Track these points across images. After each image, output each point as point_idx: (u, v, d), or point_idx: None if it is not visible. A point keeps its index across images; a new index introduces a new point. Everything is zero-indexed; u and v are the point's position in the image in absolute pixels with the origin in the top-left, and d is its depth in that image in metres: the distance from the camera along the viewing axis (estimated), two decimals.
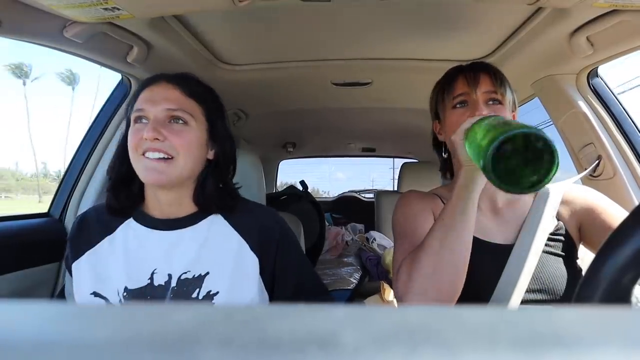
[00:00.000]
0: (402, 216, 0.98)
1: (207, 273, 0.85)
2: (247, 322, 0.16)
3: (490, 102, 0.91)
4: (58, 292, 0.97)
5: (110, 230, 0.91)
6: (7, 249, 1.20)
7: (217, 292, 0.84)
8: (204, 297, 0.84)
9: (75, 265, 0.89)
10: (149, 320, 0.17)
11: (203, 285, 0.84)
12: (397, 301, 0.84)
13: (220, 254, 0.88)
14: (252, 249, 0.90)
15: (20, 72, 61.78)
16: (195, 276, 0.85)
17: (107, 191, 0.92)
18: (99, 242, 0.90)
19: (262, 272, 0.90)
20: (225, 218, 0.93)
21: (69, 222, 1.44)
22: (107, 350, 0.14)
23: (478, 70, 0.93)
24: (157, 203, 0.91)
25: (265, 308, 0.18)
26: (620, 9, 0.95)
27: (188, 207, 0.92)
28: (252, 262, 0.90)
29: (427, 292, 0.77)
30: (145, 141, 0.82)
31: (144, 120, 0.85)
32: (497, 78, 0.92)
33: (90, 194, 1.46)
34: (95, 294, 0.85)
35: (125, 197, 0.91)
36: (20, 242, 1.25)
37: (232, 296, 0.85)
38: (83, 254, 0.89)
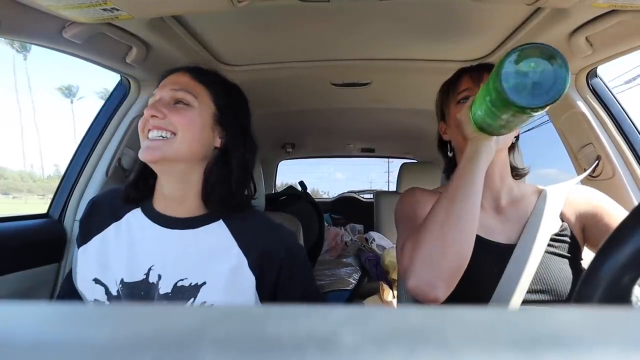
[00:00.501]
0: (406, 205, 0.98)
1: (204, 283, 0.84)
2: (246, 323, 0.16)
3: None
4: (65, 276, 0.96)
5: (117, 217, 0.91)
6: (6, 250, 1.19)
7: (212, 305, 0.82)
8: None
9: (82, 249, 0.90)
10: (149, 320, 0.17)
11: (199, 295, 0.83)
12: (402, 277, 0.82)
13: (218, 265, 0.86)
14: (250, 267, 0.87)
15: (70, 92, 74.49)
16: (192, 284, 0.83)
17: (128, 184, 0.93)
18: (106, 227, 0.90)
19: (259, 289, 0.88)
20: (229, 227, 0.90)
21: (68, 223, 1.43)
22: (107, 351, 0.14)
23: (483, 70, 0.95)
24: (162, 195, 0.90)
25: (265, 309, 0.18)
26: (619, 9, 0.95)
27: (192, 207, 0.90)
28: (249, 279, 0.87)
29: (433, 262, 0.76)
30: (148, 121, 0.83)
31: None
32: None
33: (89, 195, 1.45)
34: (97, 281, 0.85)
35: (147, 188, 0.93)
36: (20, 243, 1.25)
37: None
38: (91, 238, 0.90)
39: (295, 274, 0.92)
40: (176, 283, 0.83)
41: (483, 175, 0.81)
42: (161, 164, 0.85)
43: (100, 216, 0.92)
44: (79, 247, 0.91)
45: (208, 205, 0.90)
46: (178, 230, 0.88)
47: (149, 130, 0.83)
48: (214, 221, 0.90)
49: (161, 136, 0.83)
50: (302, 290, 0.93)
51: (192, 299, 0.82)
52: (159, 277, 0.84)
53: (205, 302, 0.82)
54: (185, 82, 0.87)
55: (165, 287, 0.83)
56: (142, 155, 0.83)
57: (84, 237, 0.90)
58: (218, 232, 0.90)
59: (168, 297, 0.82)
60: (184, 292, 0.82)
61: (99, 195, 0.98)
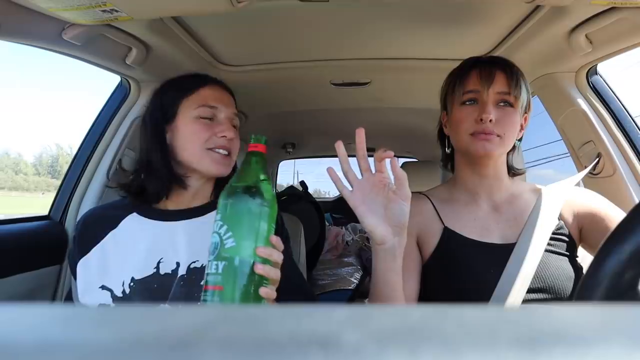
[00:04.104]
0: None
1: None
2: (248, 323, 0.16)
3: (502, 104, 0.89)
4: (65, 297, 0.98)
5: (114, 225, 0.94)
6: (7, 252, 1.19)
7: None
8: None
9: (83, 262, 0.91)
10: (150, 321, 0.17)
11: None
12: None
13: None
14: None
15: None
16: (203, 266, 0.88)
17: (136, 181, 0.96)
18: (103, 237, 0.93)
19: None
20: None
21: (70, 224, 1.43)
22: (108, 352, 0.14)
23: (494, 66, 0.91)
24: (181, 192, 0.96)
25: (266, 309, 0.18)
26: (619, 6, 0.95)
27: (204, 198, 0.99)
28: None
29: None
30: (220, 138, 0.92)
31: (210, 117, 0.94)
32: (514, 77, 0.89)
33: (90, 197, 1.45)
34: (103, 287, 0.87)
35: (162, 186, 0.95)
36: (21, 245, 1.25)
37: None
38: (91, 249, 0.92)
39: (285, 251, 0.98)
40: (189, 265, 0.88)
41: (390, 274, 0.77)
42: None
43: (94, 229, 0.94)
44: (78, 261, 0.92)
45: (216, 197, 0.98)
46: (184, 221, 0.94)
47: (220, 147, 0.93)
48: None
49: (226, 153, 0.94)
50: (288, 268, 0.98)
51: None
52: (177, 264, 0.89)
53: None
54: (234, 104, 1.02)
55: (180, 272, 0.88)
56: (214, 169, 0.93)
57: (82, 250, 0.92)
58: None
59: (184, 279, 0.87)
60: (197, 273, 0.88)
61: (90, 210, 1.02)
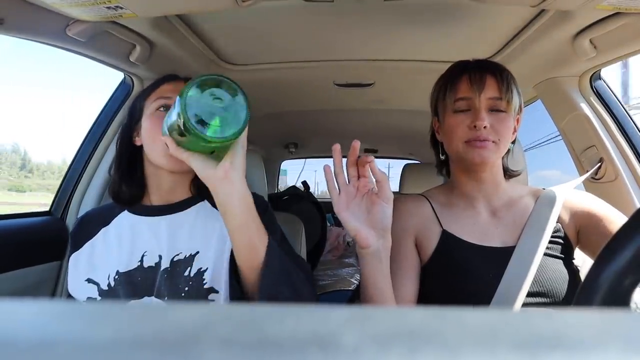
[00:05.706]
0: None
1: (197, 252, 0.91)
2: (247, 323, 0.16)
3: (494, 109, 0.88)
4: (68, 294, 0.99)
5: (106, 222, 0.97)
6: (8, 247, 1.20)
7: (207, 269, 0.89)
8: (195, 275, 0.89)
9: (74, 256, 0.95)
10: (150, 320, 0.17)
11: (193, 264, 0.89)
12: None
13: (206, 233, 0.93)
14: None
15: None
16: (187, 256, 0.90)
17: (115, 184, 0.97)
18: (95, 234, 0.96)
19: None
20: (213, 205, 0.97)
21: (71, 221, 1.44)
22: (108, 350, 0.14)
23: (484, 71, 0.90)
24: (158, 188, 0.97)
25: (266, 308, 0.18)
26: (623, 11, 0.94)
27: (183, 193, 0.99)
28: None
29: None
30: None
31: (166, 108, 0.92)
32: (504, 81, 0.88)
33: (91, 193, 1.46)
34: (89, 280, 0.90)
35: (136, 186, 0.98)
36: (22, 241, 1.25)
37: (218, 271, 0.90)
38: (82, 245, 0.95)
39: (270, 228, 0.98)
40: (172, 258, 0.90)
41: (378, 277, 0.78)
42: (177, 171, 0.93)
43: (89, 227, 0.98)
44: (70, 255, 0.96)
45: (198, 191, 0.99)
46: (168, 215, 0.95)
47: None
48: (199, 202, 0.99)
49: None
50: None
51: (188, 268, 0.89)
52: (160, 257, 0.90)
53: (200, 267, 0.89)
54: None
55: (164, 265, 0.90)
56: (169, 165, 0.89)
57: (75, 245, 0.96)
58: (204, 209, 0.99)
59: (167, 272, 0.89)
60: (181, 265, 0.89)
61: (88, 211, 1.05)
